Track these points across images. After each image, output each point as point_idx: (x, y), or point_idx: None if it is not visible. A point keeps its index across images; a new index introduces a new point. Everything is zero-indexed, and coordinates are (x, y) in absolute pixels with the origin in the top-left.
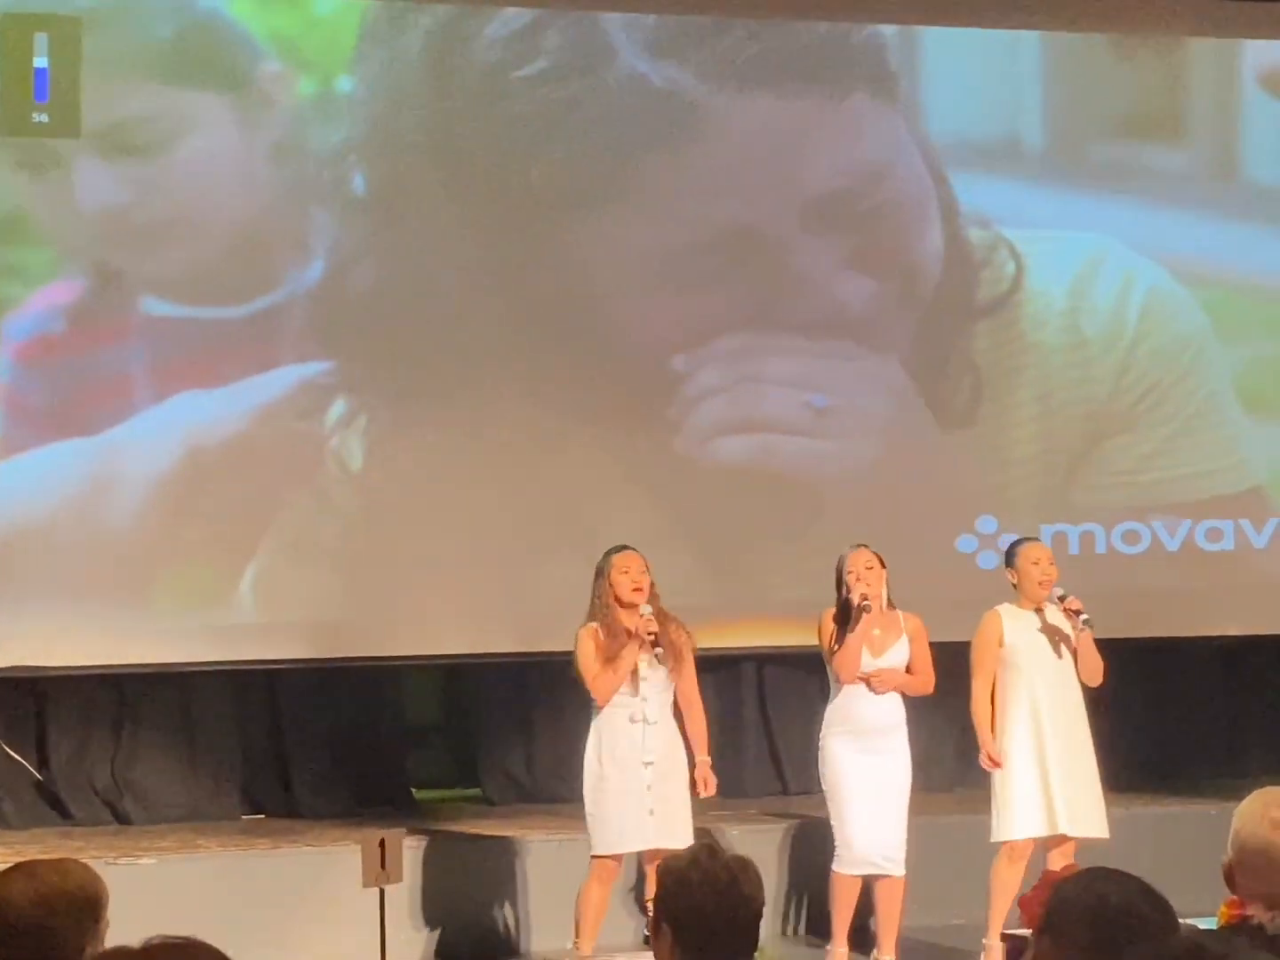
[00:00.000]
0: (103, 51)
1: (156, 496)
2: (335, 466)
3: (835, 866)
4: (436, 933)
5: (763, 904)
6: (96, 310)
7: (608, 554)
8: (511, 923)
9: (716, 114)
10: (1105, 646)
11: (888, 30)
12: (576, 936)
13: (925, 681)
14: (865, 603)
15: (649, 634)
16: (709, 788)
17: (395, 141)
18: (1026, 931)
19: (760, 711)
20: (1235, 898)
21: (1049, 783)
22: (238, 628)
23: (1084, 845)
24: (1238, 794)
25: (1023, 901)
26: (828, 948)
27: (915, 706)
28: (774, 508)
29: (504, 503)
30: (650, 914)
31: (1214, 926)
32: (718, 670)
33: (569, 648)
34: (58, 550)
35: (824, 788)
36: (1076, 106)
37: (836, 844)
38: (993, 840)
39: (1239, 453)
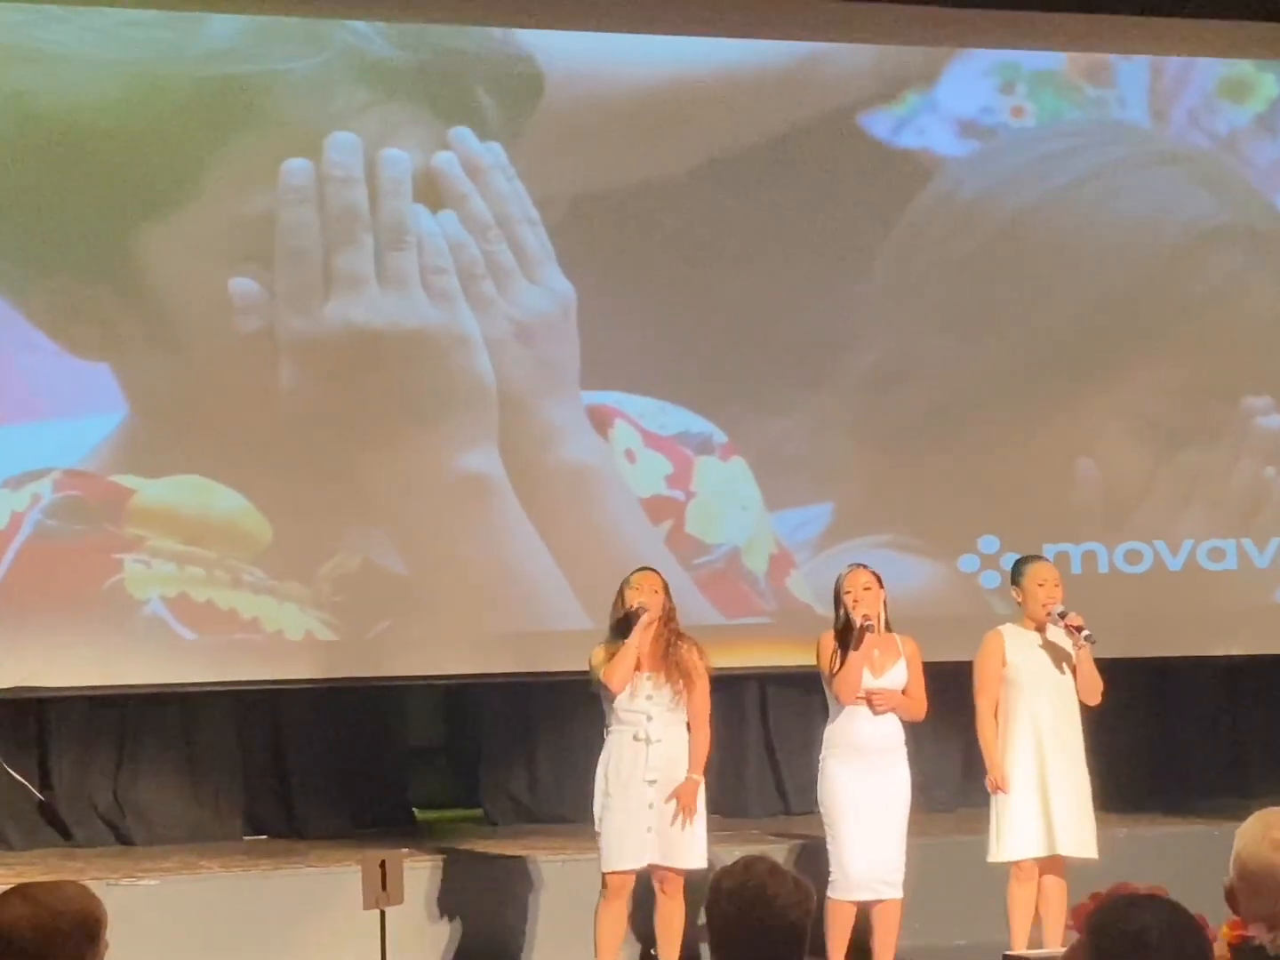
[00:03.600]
0: None
1: None
2: None
3: (830, 893)
4: (438, 953)
5: (802, 918)
6: None
7: (631, 573)
8: (512, 943)
9: None
10: (1108, 666)
11: None
12: (596, 957)
13: (919, 706)
14: (868, 623)
15: (641, 608)
16: (688, 811)
17: None
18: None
19: (763, 731)
20: (1237, 919)
21: (1049, 803)
22: (239, 648)
23: (1076, 863)
24: (1240, 814)
25: (1075, 911)
26: None
27: (918, 726)
28: None
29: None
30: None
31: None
32: (721, 690)
33: (570, 667)
34: None
35: (822, 810)
36: None
37: (831, 869)
38: (989, 860)
39: None
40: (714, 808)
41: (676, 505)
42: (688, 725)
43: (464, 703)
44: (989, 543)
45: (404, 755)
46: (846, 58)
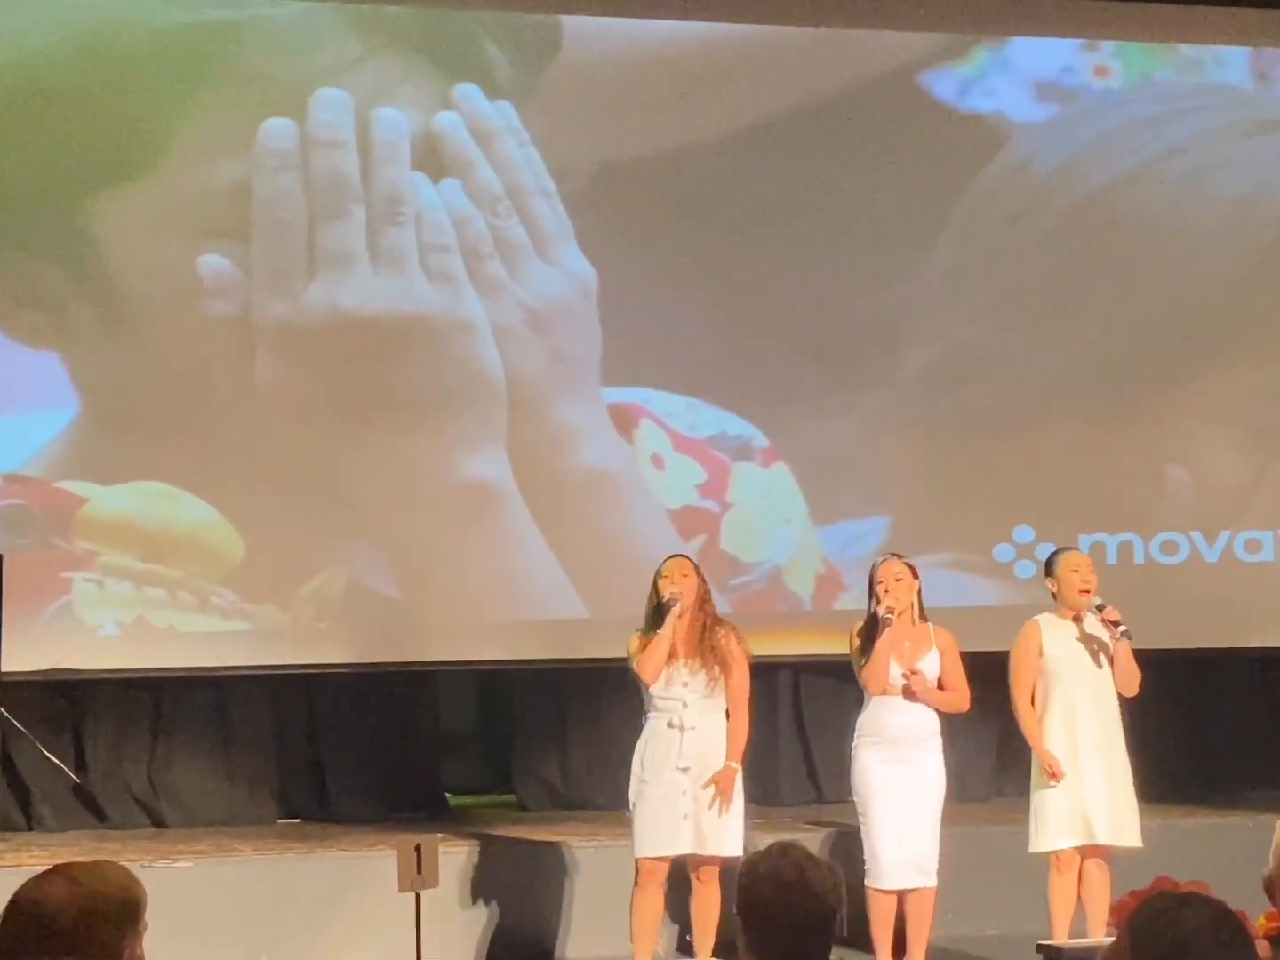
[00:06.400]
0: None
1: None
2: None
3: (869, 882)
4: (471, 938)
5: (835, 904)
6: None
7: (664, 561)
8: (546, 928)
9: None
10: (1145, 657)
11: None
12: (633, 943)
13: (959, 698)
14: (887, 615)
15: (670, 597)
16: (725, 798)
17: None
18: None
19: (796, 720)
20: (1275, 909)
21: (1084, 793)
22: (274, 632)
23: (1117, 853)
24: (1277, 806)
25: (1116, 908)
26: None
27: (952, 716)
28: None
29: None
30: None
31: None
32: (754, 677)
33: (603, 655)
34: None
35: (855, 799)
36: None
37: (866, 858)
38: (1030, 851)
39: None
40: (747, 795)
41: (710, 518)
42: (726, 712)
43: (498, 688)
44: (1023, 533)
45: (437, 740)
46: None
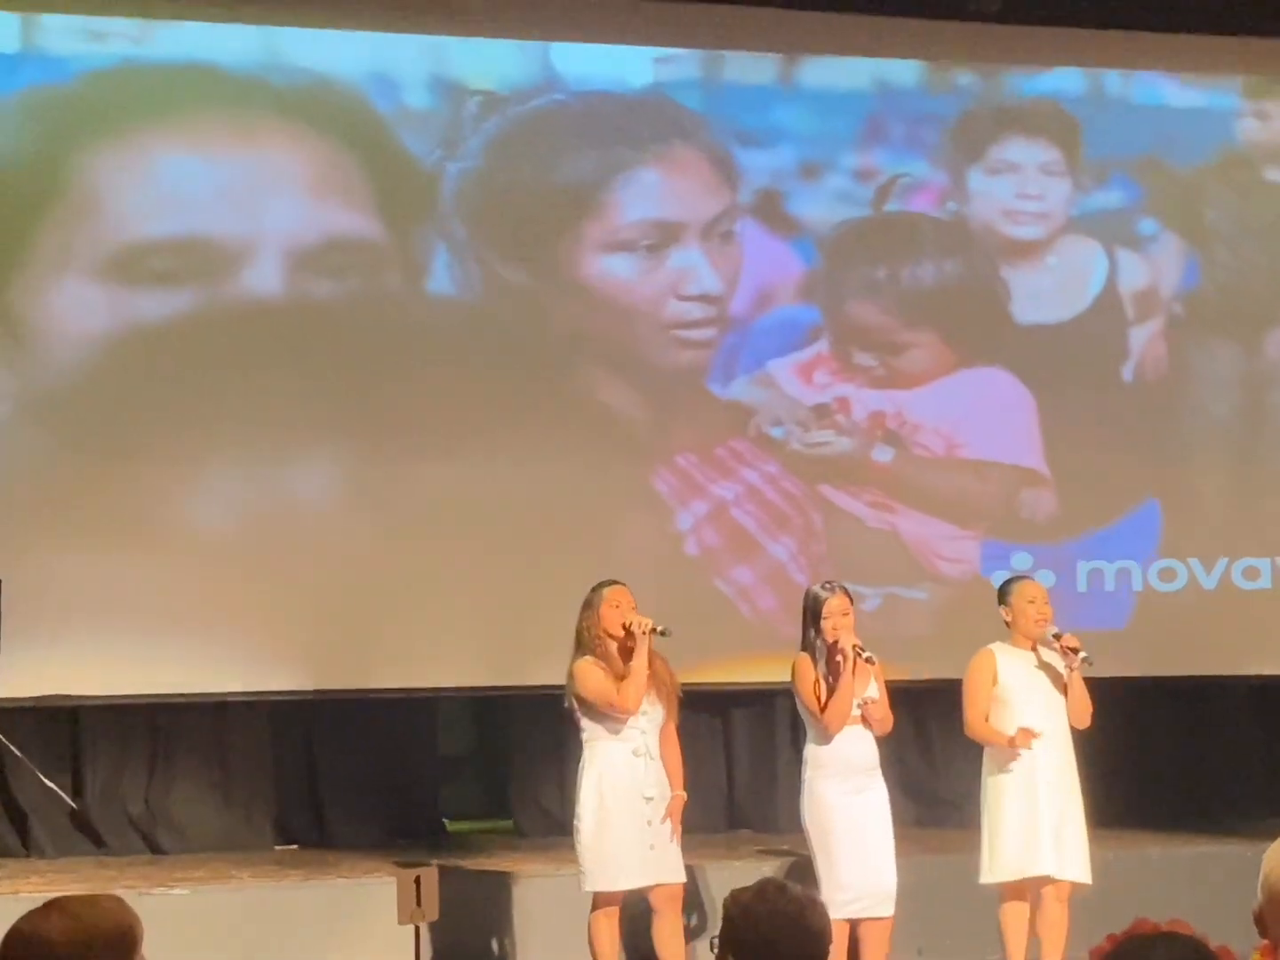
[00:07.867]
0: None
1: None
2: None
3: (832, 913)
4: None
5: (829, 944)
6: None
7: (597, 587)
8: (543, 955)
9: None
10: (1141, 684)
11: None
12: None
13: (890, 721)
14: (868, 655)
15: (651, 629)
16: (678, 826)
17: None
18: None
19: (793, 747)
20: (1266, 943)
21: (1037, 824)
22: (272, 658)
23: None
24: (1274, 835)
25: (1094, 953)
26: None
27: (947, 743)
28: None
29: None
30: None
31: None
32: (751, 704)
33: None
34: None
35: (809, 831)
36: None
37: (824, 889)
38: (980, 882)
39: None
40: (745, 822)
41: None
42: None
43: (495, 714)
44: (1021, 559)
45: (435, 766)
46: None
